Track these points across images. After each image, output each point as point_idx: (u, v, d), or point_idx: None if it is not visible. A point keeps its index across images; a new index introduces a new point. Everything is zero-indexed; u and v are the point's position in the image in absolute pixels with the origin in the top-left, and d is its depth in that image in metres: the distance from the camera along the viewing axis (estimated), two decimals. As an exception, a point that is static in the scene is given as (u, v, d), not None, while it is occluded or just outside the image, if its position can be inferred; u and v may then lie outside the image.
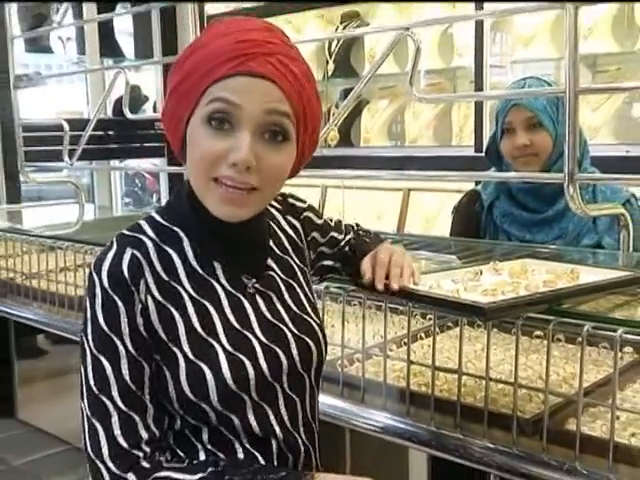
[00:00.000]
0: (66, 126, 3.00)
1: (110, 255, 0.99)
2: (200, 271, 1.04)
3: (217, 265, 1.05)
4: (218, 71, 0.95)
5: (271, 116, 0.97)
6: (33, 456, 2.11)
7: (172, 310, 1.00)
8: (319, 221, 1.26)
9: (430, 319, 1.55)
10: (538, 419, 1.19)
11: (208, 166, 0.97)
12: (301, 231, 1.21)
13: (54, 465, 2.05)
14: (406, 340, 1.39)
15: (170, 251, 1.03)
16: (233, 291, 1.05)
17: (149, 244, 1.02)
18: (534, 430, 1.19)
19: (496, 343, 1.51)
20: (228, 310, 1.03)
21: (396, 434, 1.32)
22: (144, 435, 0.96)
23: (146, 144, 4.66)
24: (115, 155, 4.68)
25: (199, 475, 0.95)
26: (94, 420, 0.96)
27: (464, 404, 1.27)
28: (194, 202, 1.03)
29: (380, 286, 1.17)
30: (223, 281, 1.05)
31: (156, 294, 0.99)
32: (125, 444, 0.95)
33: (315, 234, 1.25)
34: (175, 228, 1.05)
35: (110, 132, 4.48)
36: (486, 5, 3.15)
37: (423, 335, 1.56)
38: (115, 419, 0.95)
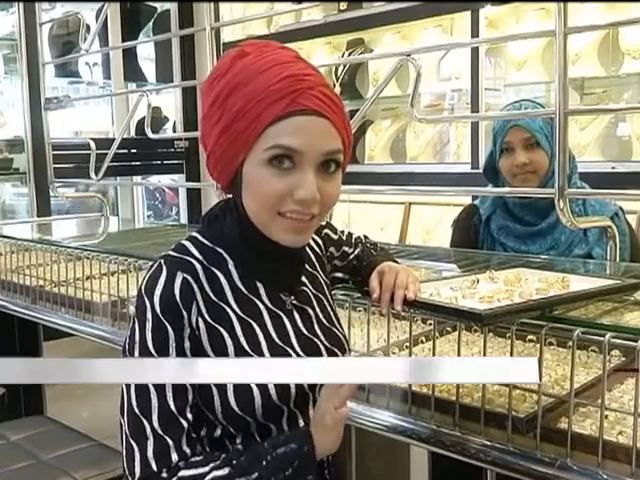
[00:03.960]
0: (92, 145, 3.02)
1: (162, 280, 0.97)
2: (244, 291, 1.03)
3: (260, 285, 1.04)
4: (271, 112, 0.93)
5: (329, 155, 0.97)
6: (60, 451, 2.10)
7: (221, 330, 0.99)
8: (335, 236, 1.27)
9: (430, 324, 1.55)
10: (531, 418, 1.18)
11: (274, 203, 0.96)
12: (322, 247, 1.21)
13: (80, 460, 2.04)
14: (408, 344, 1.39)
15: (217, 272, 1.01)
16: (274, 308, 1.04)
17: (198, 266, 1.00)
18: (528, 428, 1.17)
19: (492, 347, 1.50)
20: (270, 327, 1.02)
21: (399, 432, 1.31)
22: (174, 457, 0.94)
23: (166, 161, 4.69)
24: (138, 172, 4.71)
25: (210, 465, 0.94)
26: (132, 440, 0.94)
27: (462, 404, 1.26)
28: (245, 228, 1.02)
29: (384, 311, 1.21)
30: (265, 299, 1.04)
31: (206, 316, 0.98)
32: (155, 467, 0.93)
33: (332, 249, 1.25)
34: (219, 249, 1.03)
35: (133, 150, 4.51)
36: (482, 33, 3.19)
37: (424, 339, 1.55)
38: (150, 441, 0.94)
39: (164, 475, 0.94)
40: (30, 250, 2.64)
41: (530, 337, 1.47)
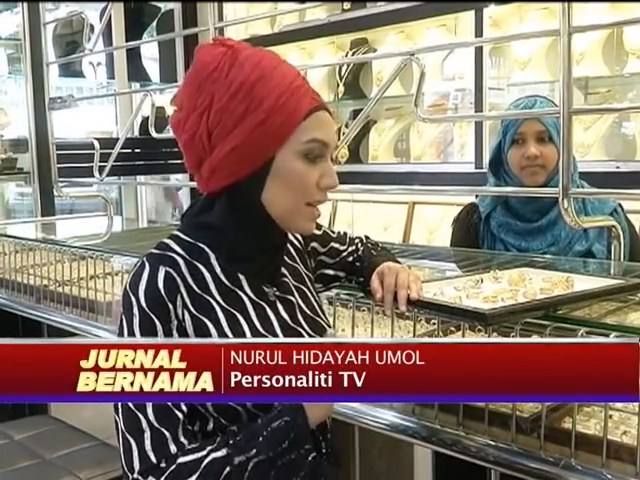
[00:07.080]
0: (96, 144, 3.02)
1: (145, 275, 0.99)
2: (227, 283, 1.04)
3: (242, 277, 1.06)
4: (303, 107, 1.00)
5: (335, 148, 1.08)
6: (64, 450, 2.11)
7: (206, 321, 1.00)
8: (318, 232, 1.27)
9: (434, 324, 1.54)
10: (536, 418, 1.18)
11: (304, 193, 1.03)
12: (302, 241, 1.23)
13: (83, 459, 2.05)
14: (411, 343, 1.38)
15: (199, 266, 1.03)
16: (257, 300, 1.06)
17: (180, 261, 1.02)
18: (532, 428, 1.17)
19: (496, 346, 1.50)
20: (255, 318, 1.04)
21: (402, 431, 1.31)
22: (173, 449, 0.95)
23: (170, 161, 4.68)
24: (141, 171, 4.70)
25: (207, 449, 0.93)
26: (128, 436, 0.95)
27: (466, 404, 1.26)
28: (242, 219, 1.04)
29: (388, 312, 1.23)
30: (248, 291, 1.06)
31: (191, 308, 1.00)
32: (154, 459, 0.94)
33: (314, 244, 1.26)
34: (200, 244, 1.05)
35: (137, 150, 4.51)
36: (485, 33, 3.19)
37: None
38: (147, 435, 0.94)
39: (163, 465, 0.94)
40: (34, 250, 2.64)
41: (534, 337, 1.47)
